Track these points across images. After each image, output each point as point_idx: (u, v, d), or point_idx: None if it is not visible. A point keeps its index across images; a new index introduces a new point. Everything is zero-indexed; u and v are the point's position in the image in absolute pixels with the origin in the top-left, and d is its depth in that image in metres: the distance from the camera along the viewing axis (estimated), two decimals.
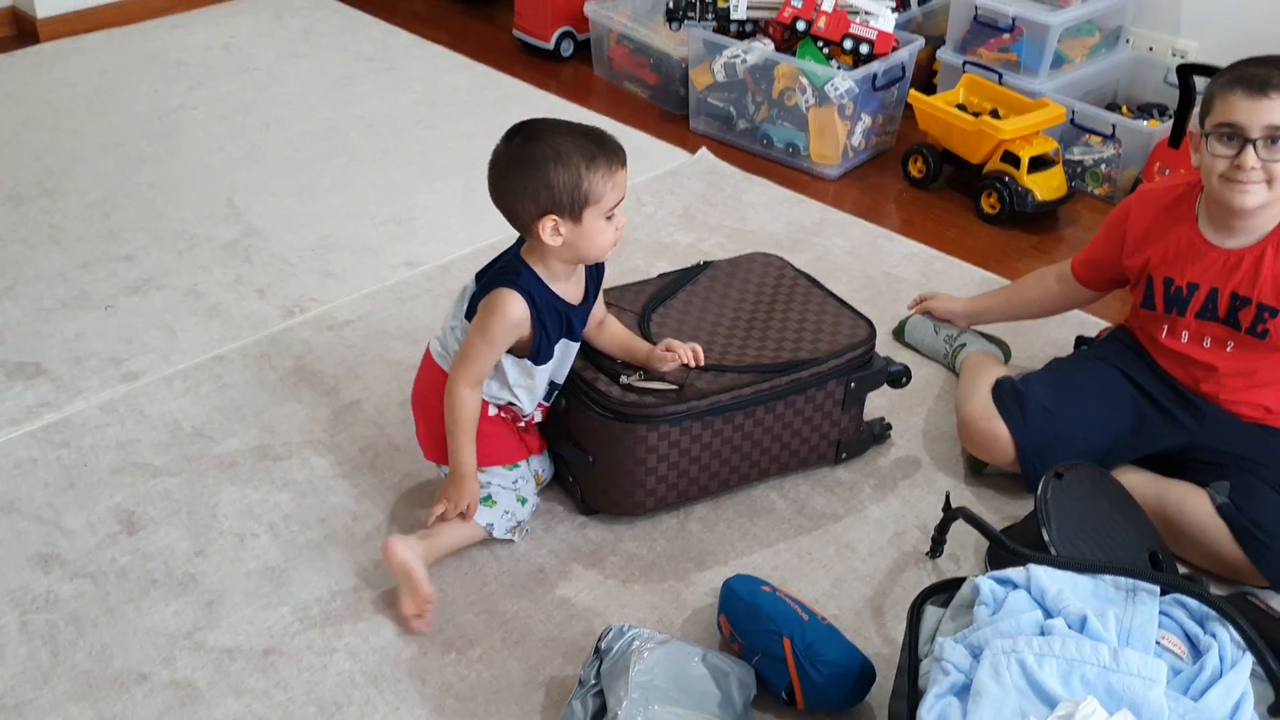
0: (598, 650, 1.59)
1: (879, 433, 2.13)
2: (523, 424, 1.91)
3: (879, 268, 2.68)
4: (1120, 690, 1.30)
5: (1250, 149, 1.73)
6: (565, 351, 1.84)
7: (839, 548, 1.93)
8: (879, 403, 2.20)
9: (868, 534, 1.95)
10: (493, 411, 1.85)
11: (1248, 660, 1.37)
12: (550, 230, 1.66)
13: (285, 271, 2.63)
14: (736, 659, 1.62)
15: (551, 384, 1.88)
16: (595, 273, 1.84)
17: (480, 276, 1.80)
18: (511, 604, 1.81)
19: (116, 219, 2.82)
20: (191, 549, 1.90)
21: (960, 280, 2.62)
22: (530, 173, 1.64)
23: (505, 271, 1.75)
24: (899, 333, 2.41)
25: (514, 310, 1.71)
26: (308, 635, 1.75)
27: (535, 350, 1.76)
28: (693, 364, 1.88)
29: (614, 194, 1.67)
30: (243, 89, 3.49)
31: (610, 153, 1.67)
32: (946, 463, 2.10)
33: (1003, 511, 1.99)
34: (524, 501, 1.89)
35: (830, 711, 1.63)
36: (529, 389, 1.84)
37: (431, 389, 1.85)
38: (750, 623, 1.63)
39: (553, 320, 1.75)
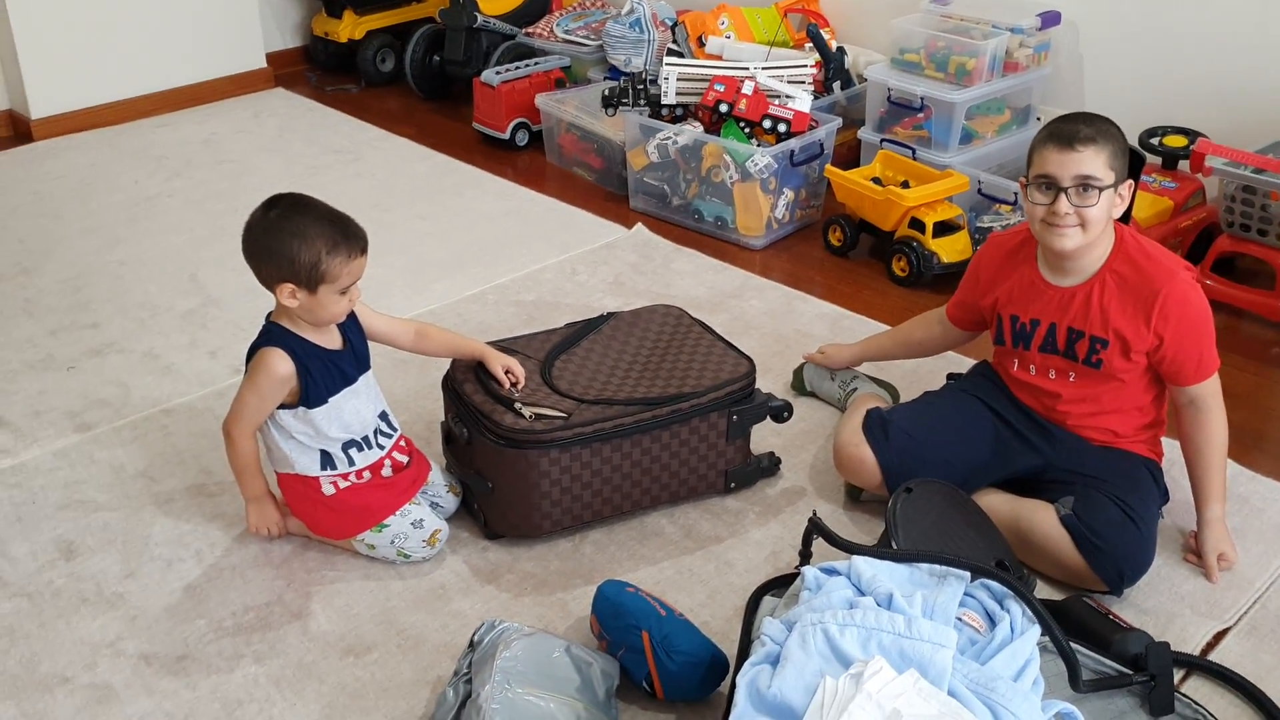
0: (472, 643, 1.74)
1: (768, 466, 2.29)
2: (385, 471, 2.08)
3: (790, 326, 2.86)
4: (911, 654, 1.44)
5: (1063, 197, 1.91)
6: (355, 399, 2.02)
7: (719, 565, 2.08)
8: (773, 441, 2.37)
9: (747, 553, 2.11)
10: (329, 490, 2.03)
11: (1035, 631, 1.51)
12: (288, 294, 1.89)
13: (238, 335, 2.83)
14: (602, 653, 1.77)
15: (376, 430, 2.06)
16: (349, 321, 2.04)
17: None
18: (410, 616, 1.97)
19: (87, 293, 3.05)
20: (122, 572, 2.07)
21: (865, 336, 2.79)
22: (277, 244, 1.87)
23: (263, 333, 1.98)
24: (797, 383, 2.58)
25: (279, 366, 1.93)
26: (220, 644, 1.91)
27: (305, 395, 1.96)
28: (506, 385, 2.10)
29: (349, 277, 1.91)
30: (217, 179, 3.76)
31: (351, 241, 1.90)
32: (829, 492, 2.26)
33: (875, 533, 2.13)
34: (406, 556, 2.06)
35: (689, 702, 1.77)
36: (327, 438, 2.01)
37: (288, 490, 2.08)
38: (614, 619, 1.78)
39: (318, 367, 1.96)
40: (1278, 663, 1.86)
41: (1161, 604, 1.97)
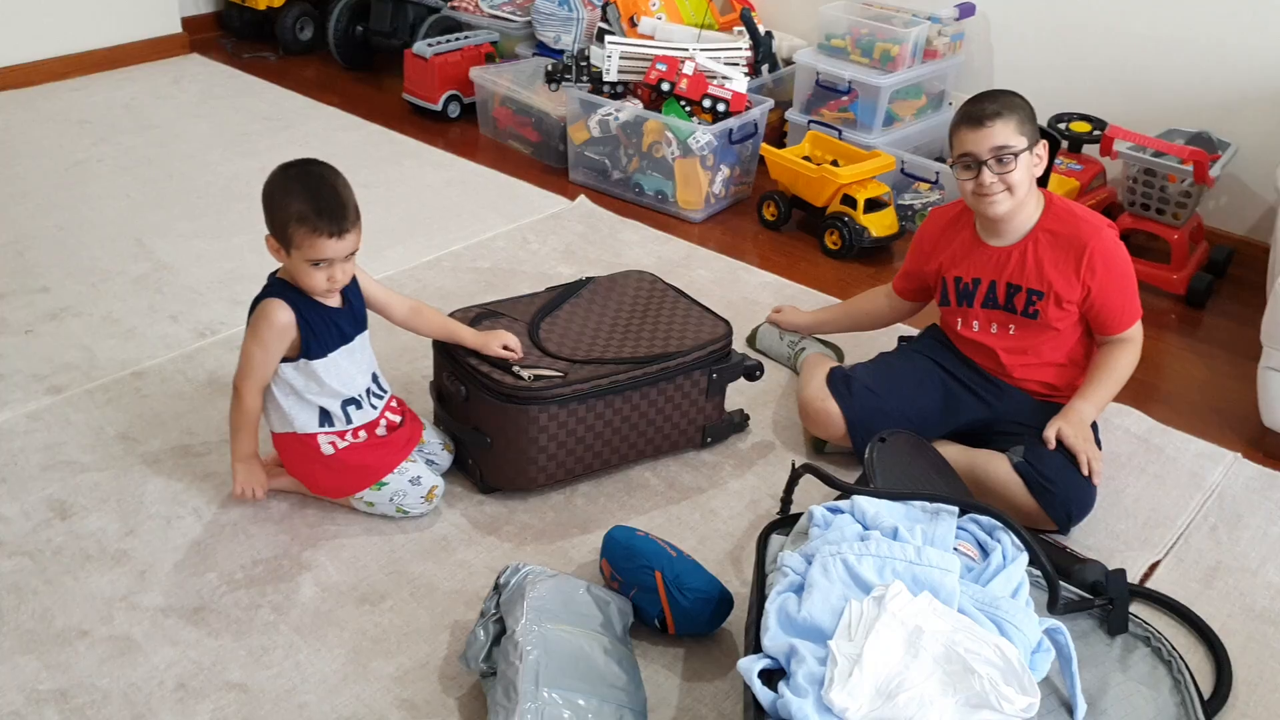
0: (497, 586, 1.84)
1: (739, 422, 2.44)
2: (380, 431, 2.15)
3: (738, 294, 3.02)
4: (923, 578, 1.61)
5: (985, 169, 2.13)
6: (350, 357, 2.09)
7: (704, 513, 2.22)
8: (737, 399, 2.52)
9: (728, 502, 2.26)
10: (328, 450, 2.10)
11: (1024, 558, 1.70)
12: (272, 247, 2.00)
13: (195, 300, 2.84)
14: (615, 593, 1.89)
15: (367, 390, 2.13)
16: (350, 282, 2.10)
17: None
18: (418, 566, 2.06)
19: (30, 257, 3.01)
20: (122, 530, 2.10)
21: (808, 303, 2.95)
22: (269, 199, 1.98)
23: (264, 288, 2.05)
24: (751, 340, 2.75)
25: (279, 315, 1.99)
26: (234, 595, 1.97)
27: (306, 347, 2.03)
28: (506, 355, 2.17)
29: (313, 251, 1.94)
30: (145, 144, 3.71)
31: (321, 220, 1.92)
32: (794, 445, 2.43)
33: None
34: (405, 512, 2.14)
35: (697, 636, 1.91)
36: (328, 393, 2.07)
37: (286, 450, 2.12)
38: (626, 561, 1.91)
39: (317, 321, 2.03)
40: (1202, 589, 2.10)
41: (1101, 541, 2.19)
